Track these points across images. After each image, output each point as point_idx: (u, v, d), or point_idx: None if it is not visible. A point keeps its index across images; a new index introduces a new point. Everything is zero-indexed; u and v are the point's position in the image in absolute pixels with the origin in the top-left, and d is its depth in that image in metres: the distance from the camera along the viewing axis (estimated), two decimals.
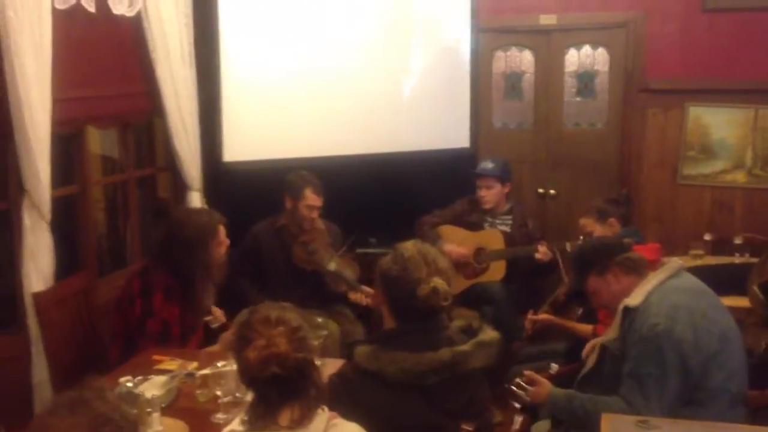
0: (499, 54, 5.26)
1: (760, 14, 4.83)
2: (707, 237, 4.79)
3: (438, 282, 2.05)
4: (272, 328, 1.74)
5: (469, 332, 2.21)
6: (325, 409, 1.78)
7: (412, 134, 4.83)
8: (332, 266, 3.91)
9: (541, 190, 5.28)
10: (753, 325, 3.64)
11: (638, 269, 2.72)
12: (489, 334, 2.21)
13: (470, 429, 1.98)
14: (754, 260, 3.89)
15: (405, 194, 4.64)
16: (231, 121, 4.30)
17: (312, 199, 3.95)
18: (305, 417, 1.73)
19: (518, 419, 2.28)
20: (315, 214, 4.00)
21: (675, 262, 2.78)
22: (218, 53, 4.22)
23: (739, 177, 4.98)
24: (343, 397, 2.02)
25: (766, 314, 3.39)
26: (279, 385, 1.72)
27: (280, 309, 1.81)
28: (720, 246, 4.73)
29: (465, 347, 2.10)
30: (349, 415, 1.84)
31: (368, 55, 4.70)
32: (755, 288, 3.36)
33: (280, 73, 4.44)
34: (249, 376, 1.76)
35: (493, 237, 4.45)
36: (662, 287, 2.64)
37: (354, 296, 3.93)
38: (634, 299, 2.64)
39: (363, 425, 1.84)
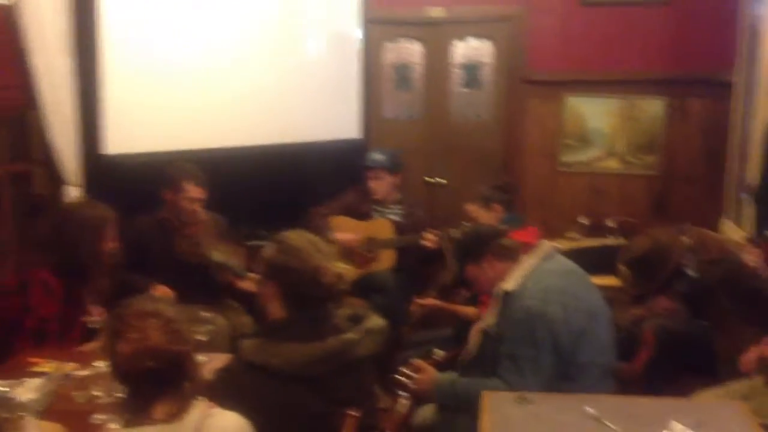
0: (389, 45, 5.35)
1: (634, 9, 5.11)
2: (584, 221, 5.07)
3: (340, 266, 2.09)
4: (145, 320, 1.74)
5: (356, 320, 2.26)
6: (202, 399, 1.80)
7: (302, 125, 4.85)
8: (217, 256, 3.87)
9: (431, 180, 5.41)
10: (622, 302, 3.88)
11: (512, 255, 2.86)
12: (375, 321, 2.27)
13: (356, 415, 2.04)
14: (626, 242, 4.13)
15: (296, 186, 4.66)
16: (113, 112, 4.17)
17: (193, 191, 3.89)
18: (181, 409, 1.75)
19: (403, 403, 2.36)
20: (197, 206, 3.94)
21: (547, 245, 2.93)
22: (98, 42, 4.09)
23: (613, 164, 5.26)
24: (229, 390, 2.03)
25: (634, 291, 3.61)
26: (153, 378, 1.73)
27: (155, 301, 1.81)
28: (595, 229, 5.00)
29: (352, 335, 2.15)
30: (235, 408, 1.86)
31: (257, 45, 4.69)
32: (623, 266, 3.57)
33: (166, 63, 4.35)
34: (122, 370, 1.76)
35: (382, 226, 4.54)
36: (536, 271, 2.79)
37: (242, 284, 3.91)
38: (509, 284, 2.78)
39: (250, 418, 1.86)
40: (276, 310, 2.16)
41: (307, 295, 2.11)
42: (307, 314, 2.13)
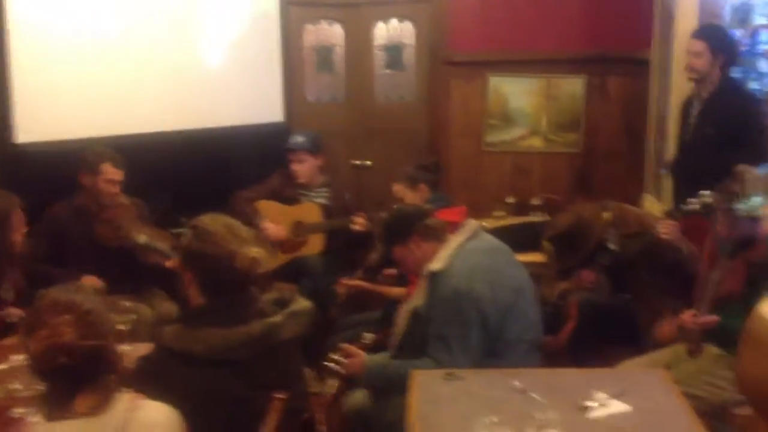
0: (309, 27, 5.29)
1: None
2: (509, 199, 5.13)
3: (255, 251, 2.05)
4: (58, 315, 1.68)
5: (282, 303, 2.23)
6: (127, 391, 1.75)
7: (223, 109, 4.77)
8: (142, 239, 3.79)
9: (356, 162, 5.39)
10: (549, 278, 3.96)
11: (438, 234, 2.87)
12: (301, 304, 2.24)
13: (282, 398, 2.01)
14: (549, 219, 4.20)
15: (219, 171, 4.58)
16: (24, 99, 4.02)
17: (111, 172, 3.79)
18: (103, 402, 1.70)
19: (333, 384, 2.34)
20: (116, 189, 3.84)
21: (473, 224, 2.95)
22: (4, 27, 3.93)
23: (536, 142, 5.33)
24: (152, 379, 1.99)
25: (558, 266, 3.68)
26: (68, 374, 1.68)
27: (71, 292, 1.75)
28: (521, 207, 5.07)
29: (276, 319, 2.12)
30: (159, 397, 1.82)
31: (175, 28, 4.58)
32: (546, 242, 3.63)
33: (78, 47, 4.21)
34: (36, 367, 1.71)
35: (310, 210, 4.50)
36: (462, 250, 2.81)
37: (170, 264, 3.82)
38: (436, 264, 2.79)
39: (175, 406, 1.82)
40: (196, 296, 2.12)
41: (222, 281, 2.08)
42: (227, 299, 2.09)
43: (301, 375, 2.23)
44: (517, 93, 5.27)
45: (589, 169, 5.35)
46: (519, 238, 4.18)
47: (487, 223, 4.56)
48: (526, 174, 5.36)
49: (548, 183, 5.32)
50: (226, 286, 2.08)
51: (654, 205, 4.55)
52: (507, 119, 5.31)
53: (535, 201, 5.05)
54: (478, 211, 5.01)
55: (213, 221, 2.12)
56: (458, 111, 5.30)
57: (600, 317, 3.60)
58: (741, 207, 2.81)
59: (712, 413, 2.98)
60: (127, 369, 2.08)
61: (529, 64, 5.22)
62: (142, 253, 3.84)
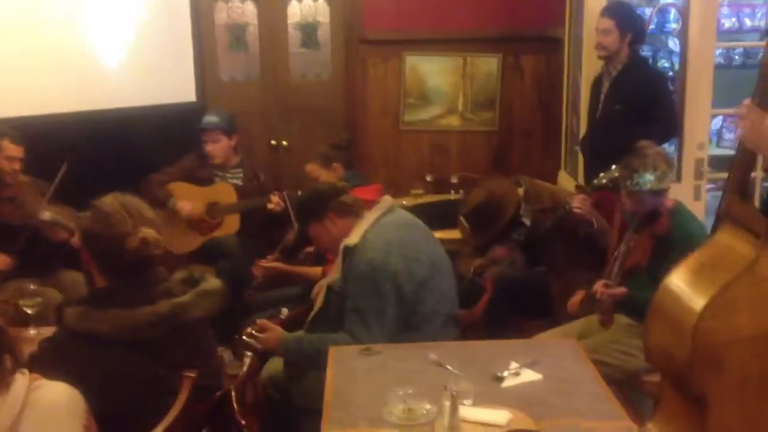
0: (221, 5, 5.19)
1: None
2: (428, 178, 5.17)
3: (147, 232, 2.01)
4: None
5: (191, 283, 2.19)
6: (26, 372, 1.69)
7: (133, 89, 4.63)
8: (47, 215, 3.67)
9: (273, 142, 5.33)
10: (465, 254, 4.00)
11: (354, 211, 2.87)
12: (211, 283, 2.21)
13: (192, 376, 1.98)
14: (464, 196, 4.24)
15: (131, 153, 4.45)
16: None
17: (11, 149, 3.67)
18: (1, 384, 1.64)
19: (246, 361, 2.32)
20: (17, 166, 3.72)
21: (388, 200, 2.96)
22: None
23: (453, 121, 5.37)
24: (55, 361, 1.95)
25: (474, 242, 3.72)
26: None
27: None
28: (439, 185, 5.11)
29: (184, 298, 2.09)
30: (63, 379, 1.77)
31: (81, 7, 4.43)
32: (462, 219, 3.67)
33: None
34: None
35: (224, 191, 4.43)
36: (377, 225, 2.81)
37: (75, 241, 3.72)
38: (352, 239, 2.79)
39: (80, 388, 1.77)
40: (98, 276, 2.07)
41: (117, 262, 2.04)
42: (129, 280, 2.05)
43: (213, 353, 2.20)
44: (433, 72, 5.29)
45: (506, 147, 5.43)
46: (437, 216, 4.22)
47: (406, 201, 4.59)
48: (444, 152, 5.40)
49: (466, 161, 5.37)
50: (123, 266, 2.04)
51: (569, 181, 4.64)
52: (424, 98, 5.33)
53: (454, 179, 5.10)
54: (397, 189, 5.04)
55: (112, 201, 2.07)
56: (375, 90, 5.29)
57: (515, 291, 3.66)
58: (633, 182, 2.89)
59: (624, 380, 3.08)
60: (32, 352, 2.04)
61: (445, 42, 5.25)
62: (48, 230, 3.72)
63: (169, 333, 2.02)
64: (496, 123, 5.39)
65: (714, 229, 2.36)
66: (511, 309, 3.64)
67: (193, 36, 4.93)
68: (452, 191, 4.96)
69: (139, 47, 4.69)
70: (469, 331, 3.15)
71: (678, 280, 2.29)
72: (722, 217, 2.33)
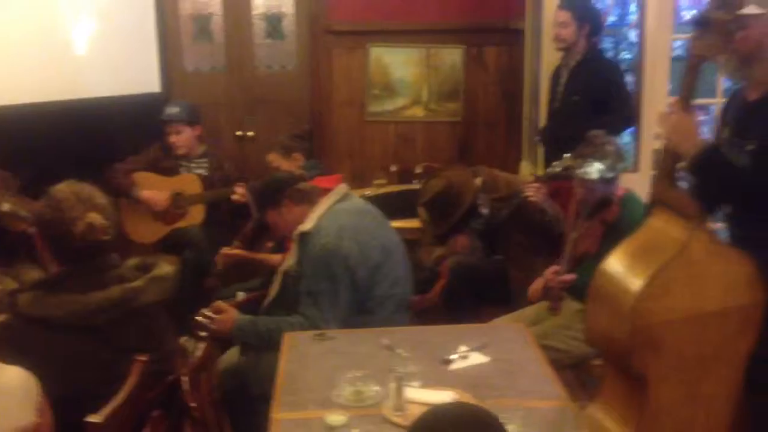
0: None
1: None
2: (393, 168, 5.22)
3: (93, 217, 2.04)
4: None
5: (144, 269, 2.23)
6: None
7: (96, 80, 4.62)
8: (6, 207, 3.67)
9: (238, 133, 5.35)
10: (427, 243, 4.07)
11: (309, 198, 2.92)
12: (164, 269, 2.25)
13: (144, 360, 2.02)
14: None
15: (95, 143, 4.45)
16: None
17: None
18: None
19: (200, 346, 2.35)
20: None
21: (343, 187, 3.02)
22: None
23: (418, 112, 5.43)
24: (8, 346, 1.97)
25: (433, 232, 3.79)
26: None
27: None
28: (404, 175, 5.16)
29: (136, 283, 2.13)
30: (16, 363, 1.80)
31: None
32: (420, 208, 3.73)
33: None
34: None
35: (189, 181, 4.45)
36: (330, 211, 2.88)
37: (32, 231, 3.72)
38: (306, 225, 2.85)
39: (34, 372, 1.80)
40: (52, 262, 2.11)
41: (68, 247, 2.07)
42: (81, 265, 2.08)
43: (167, 338, 2.23)
44: (398, 63, 5.34)
45: (470, 137, 5.49)
46: (399, 205, 4.29)
47: (369, 191, 4.65)
48: (409, 143, 5.46)
49: (431, 151, 5.43)
50: (73, 251, 2.07)
51: (530, 171, 4.72)
52: (389, 89, 5.38)
53: (418, 169, 5.15)
54: (362, 179, 5.10)
55: (64, 188, 2.10)
56: (341, 81, 5.33)
57: (474, 278, 3.73)
58: (583, 171, 2.97)
59: (574, 365, 3.17)
60: None
61: (409, 34, 5.29)
62: (7, 221, 3.72)
63: (122, 318, 2.06)
64: (460, 114, 5.45)
65: (647, 215, 2.46)
66: (470, 296, 3.71)
67: (157, 26, 4.93)
68: (416, 181, 5.02)
69: (103, 38, 4.68)
70: (429, 317, 3.22)
71: (615, 264, 2.38)
72: (654, 202, 2.43)
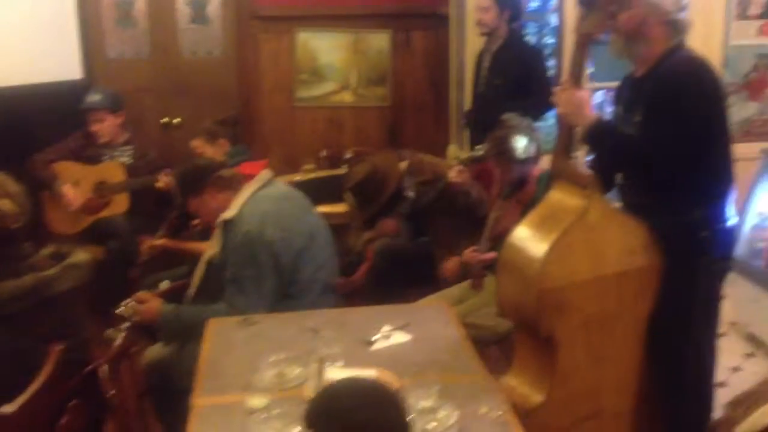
0: None
1: None
2: (323, 153, 5.23)
3: (3, 203, 2.01)
4: None
5: (59, 257, 2.22)
6: None
7: (14, 67, 4.49)
8: None
9: (164, 120, 5.28)
10: (355, 228, 4.10)
11: (232, 185, 2.92)
12: (78, 257, 2.24)
13: (59, 349, 2.01)
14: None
15: (14, 133, 4.34)
16: None
17: None
18: None
19: (120, 335, 2.34)
20: None
21: (266, 173, 3.02)
22: None
23: (347, 97, 5.44)
24: None
25: (360, 216, 3.82)
26: None
27: None
28: (334, 160, 5.17)
29: (50, 272, 2.12)
30: None
31: None
32: (346, 193, 3.76)
33: None
34: None
35: (113, 169, 4.38)
36: (254, 197, 2.88)
37: None
38: (229, 212, 2.84)
39: None
40: None
41: None
42: None
43: (83, 326, 2.22)
44: (326, 48, 5.34)
45: (399, 122, 5.54)
46: (328, 190, 4.30)
47: (299, 177, 4.66)
48: (338, 128, 5.47)
49: (361, 136, 5.46)
50: None
51: (458, 154, 4.79)
52: (317, 74, 5.38)
53: (348, 154, 5.17)
54: (292, 165, 5.09)
55: None
56: (268, 66, 5.31)
57: (400, 260, 3.78)
58: (500, 152, 3.05)
59: (498, 341, 3.25)
60: None
61: (337, 19, 5.30)
62: None
63: (35, 306, 2.05)
64: (388, 98, 5.49)
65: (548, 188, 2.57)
66: (396, 278, 3.76)
67: (77, 12, 4.82)
68: (346, 166, 5.04)
69: (19, 24, 4.55)
70: (356, 300, 3.26)
71: (520, 235, 2.49)
72: (554, 176, 2.54)
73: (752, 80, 4.55)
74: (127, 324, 2.62)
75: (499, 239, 3.12)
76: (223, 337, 2.56)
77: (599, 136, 2.46)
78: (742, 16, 4.43)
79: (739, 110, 4.49)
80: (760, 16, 4.44)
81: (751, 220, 3.83)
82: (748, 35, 4.46)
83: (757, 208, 3.90)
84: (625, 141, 2.46)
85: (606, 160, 2.57)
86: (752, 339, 3.80)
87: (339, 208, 4.21)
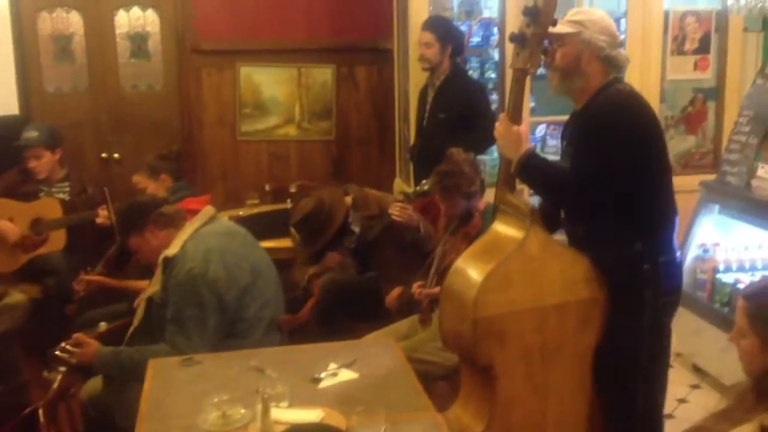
0: (44, 15, 5.04)
1: None
2: (267, 187, 5.20)
3: None
4: None
5: None
6: None
7: None
8: None
9: (104, 155, 5.20)
10: (300, 263, 4.07)
11: (174, 222, 2.86)
12: (15, 297, 2.17)
13: None
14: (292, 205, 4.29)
15: None
16: None
17: None
18: None
19: (57, 377, 2.26)
20: None
21: (209, 209, 2.97)
22: None
23: (291, 131, 5.44)
24: None
25: (305, 251, 3.79)
26: None
27: None
28: (279, 194, 5.15)
29: None
30: None
31: None
32: (292, 228, 3.73)
33: None
34: None
35: (49, 206, 4.26)
36: (197, 234, 2.83)
37: None
38: (171, 250, 2.78)
39: None
40: None
41: None
42: None
43: (20, 369, 2.14)
44: (269, 82, 5.34)
45: (344, 156, 5.55)
46: (272, 225, 4.27)
47: (242, 212, 4.60)
48: (283, 162, 5.45)
49: (305, 170, 5.45)
50: None
51: (403, 188, 4.80)
52: (261, 108, 5.37)
53: (293, 188, 5.14)
54: (236, 199, 5.05)
55: None
56: (210, 100, 5.28)
57: (346, 296, 3.75)
58: (442, 187, 3.07)
59: (445, 376, 3.23)
60: None
61: (280, 53, 5.31)
62: None
63: None
64: (333, 132, 5.50)
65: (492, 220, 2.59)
66: (343, 313, 3.73)
67: (14, 46, 4.74)
68: (290, 200, 5.01)
69: None
70: (303, 337, 3.21)
71: (461, 265, 2.49)
72: (497, 208, 2.56)
73: (689, 114, 4.69)
74: (64, 369, 2.52)
75: (445, 273, 3.13)
76: (164, 378, 2.49)
77: (530, 169, 2.49)
78: (679, 51, 4.58)
79: (678, 143, 4.63)
80: (696, 52, 4.59)
81: (692, 252, 3.92)
82: (684, 70, 4.61)
83: (698, 240, 4.00)
84: (554, 174, 2.50)
85: (540, 191, 2.62)
86: (697, 370, 3.87)
87: (284, 242, 4.17)
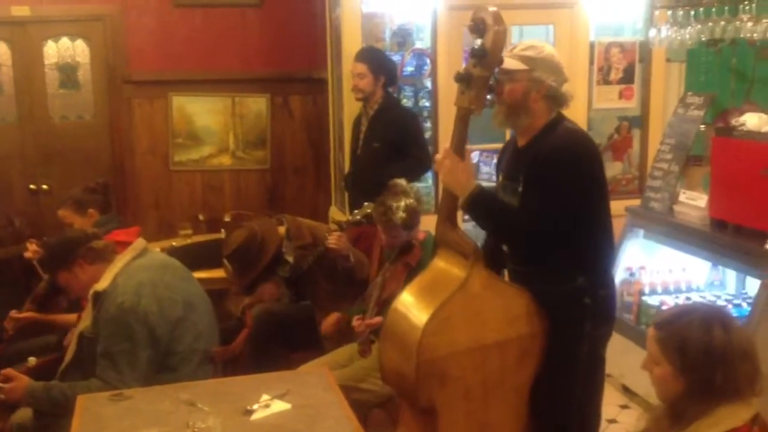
0: None
1: (227, 10, 5.30)
2: (201, 217, 5.15)
3: None
4: None
5: None
6: None
7: None
8: None
9: (32, 186, 5.09)
10: (234, 293, 4.04)
11: (103, 256, 2.82)
12: None
13: None
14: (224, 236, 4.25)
15: None
16: None
17: None
18: None
19: None
20: None
21: (140, 242, 2.94)
22: None
23: (225, 160, 5.42)
24: None
25: (239, 282, 3.76)
26: None
27: None
28: (213, 224, 5.10)
29: None
30: None
31: None
32: (225, 260, 3.70)
33: None
34: None
35: None
36: (128, 268, 2.79)
37: None
38: (101, 284, 2.74)
39: None
40: None
41: None
42: None
43: None
44: (202, 112, 5.33)
45: (280, 184, 5.55)
46: (206, 255, 4.22)
47: (176, 242, 4.54)
48: (217, 191, 5.43)
49: (241, 199, 5.44)
50: None
51: (339, 215, 4.81)
52: (194, 138, 5.34)
53: (227, 217, 5.11)
54: (169, 229, 4.99)
55: None
56: (142, 130, 5.23)
57: (281, 325, 3.73)
58: (387, 218, 3.09)
59: (381, 403, 3.24)
60: None
61: (213, 83, 5.30)
62: None
63: None
64: (268, 161, 5.50)
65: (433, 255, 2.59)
66: (278, 343, 3.71)
67: None
68: (224, 230, 4.97)
69: None
70: (237, 368, 3.18)
71: (403, 303, 2.49)
72: (438, 243, 2.57)
73: (615, 141, 4.84)
74: None
75: (386, 304, 3.14)
76: (93, 413, 2.44)
77: (479, 206, 2.47)
78: (605, 81, 4.73)
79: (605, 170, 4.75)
80: (620, 81, 4.75)
81: (619, 275, 4.01)
82: (610, 99, 4.76)
83: (624, 264, 4.10)
84: (503, 212, 2.49)
85: (487, 227, 2.59)
86: (626, 390, 3.96)
87: (218, 273, 4.12)
